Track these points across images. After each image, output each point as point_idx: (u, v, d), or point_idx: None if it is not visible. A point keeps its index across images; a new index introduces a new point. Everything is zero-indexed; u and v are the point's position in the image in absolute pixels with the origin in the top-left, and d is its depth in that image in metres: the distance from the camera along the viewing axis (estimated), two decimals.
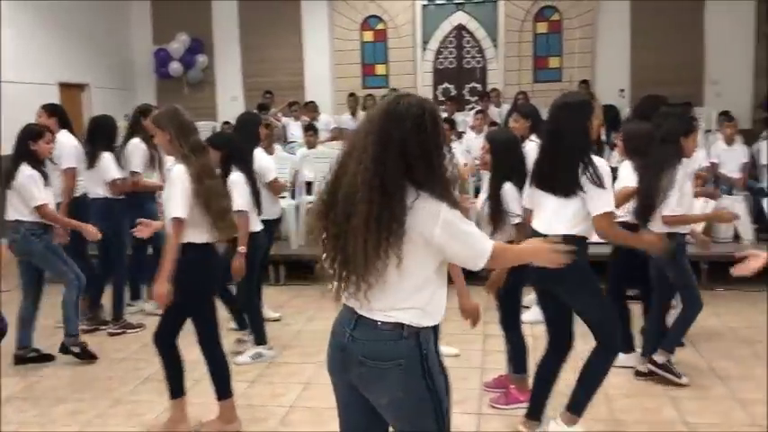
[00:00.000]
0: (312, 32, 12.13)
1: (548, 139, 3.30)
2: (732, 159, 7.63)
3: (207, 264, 3.55)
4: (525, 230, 3.43)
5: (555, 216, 3.18)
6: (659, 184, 3.92)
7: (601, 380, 3.34)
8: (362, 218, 1.95)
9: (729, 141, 7.71)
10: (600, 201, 3.09)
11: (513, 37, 11.51)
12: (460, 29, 11.73)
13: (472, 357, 4.63)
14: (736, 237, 6.47)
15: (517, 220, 3.58)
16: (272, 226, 5.23)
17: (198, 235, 3.45)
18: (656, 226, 3.97)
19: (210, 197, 3.43)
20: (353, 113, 10.72)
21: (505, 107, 10.56)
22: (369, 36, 12.04)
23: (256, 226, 4.56)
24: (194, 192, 3.38)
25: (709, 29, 10.89)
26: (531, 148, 4.49)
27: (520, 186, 3.58)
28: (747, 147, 7.85)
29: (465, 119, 9.83)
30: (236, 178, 4.36)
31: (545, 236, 2.97)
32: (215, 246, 3.62)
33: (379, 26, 11.97)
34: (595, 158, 3.15)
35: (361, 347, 2.09)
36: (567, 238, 2.94)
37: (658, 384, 4.12)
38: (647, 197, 3.97)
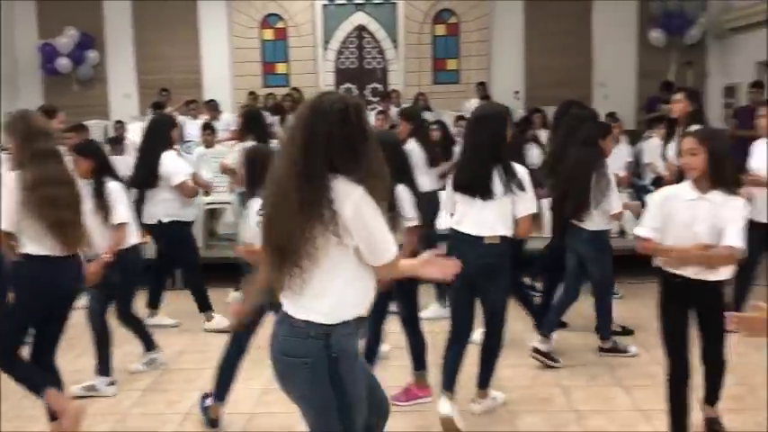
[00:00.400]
0: (209, 30, 11.85)
1: (468, 147, 3.57)
2: (617, 158, 8.00)
3: (45, 276, 3.29)
4: (416, 234, 3.62)
5: (479, 218, 3.45)
6: (589, 185, 4.25)
7: (497, 359, 3.71)
8: (294, 205, 2.02)
9: (615, 141, 8.11)
10: (524, 204, 3.43)
11: (412, 39, 11.68)
12: (361, 29, 11.78)
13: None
14: (622, 232, 6.82)
15: (410, 224, 3.62)
16: (184, 229, 5.19)
17: (35, 246, 3.24)
18: (593, 224, 4.33)
19: (45, 207, 3.19)
20: None
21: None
22: (269, 34, 11.90)
23: (134, 238, 4.30)
24: (24, 201, 3.16)
25: (596, 34, 11.46)
26: (412, 148, 5.12)
27: (411, 188, 3.67)
28: (631, 146, 8.30)
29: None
30: (114, 187, 4.13)
31: (474, 237, 3.40)
32: (65, 257, 3.32)
33: (279, 24, 11.84)
34: (514, 164, 3.46)
35: (278, 344, 2.17)
36: (501, 239, 3.43)
37: (548, 373, 4.33)
38: (581, 197, 4.27)
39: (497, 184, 3.39)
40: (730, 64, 10.97)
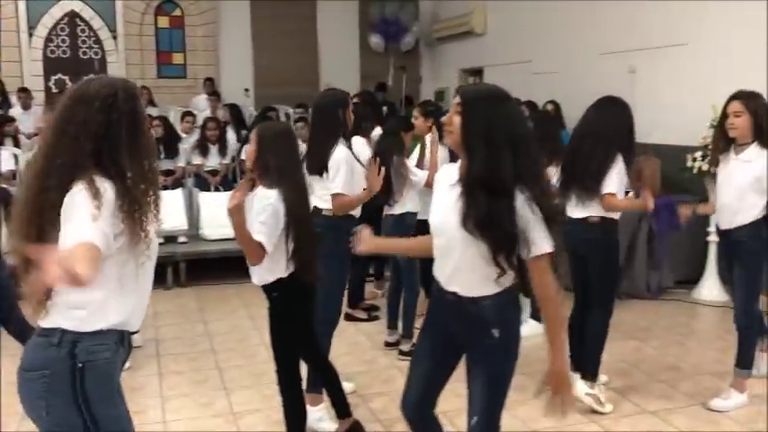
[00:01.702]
0: None
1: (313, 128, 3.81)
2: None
3: None
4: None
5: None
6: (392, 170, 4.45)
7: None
8: (33, 208, 1.79)
9: None
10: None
11: (133, 29, 10.99)
12: (73, 16, 10.78)
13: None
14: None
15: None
16: None
17: None
18: (398, 209, 4.56)
19: None
20: None
21: None
22: None
23: None
24: None
25: (321, 35, 11.84)
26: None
27: None
28: None
29: None
30: None
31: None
32: None
33: None
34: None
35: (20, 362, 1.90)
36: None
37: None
38: (389, 184, 4.42)
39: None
40: (440, 70, 12.10)
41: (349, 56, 11.94)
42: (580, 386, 3.77)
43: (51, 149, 1.82)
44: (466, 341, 2.35)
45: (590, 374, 3.82)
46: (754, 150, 3.55)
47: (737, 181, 3.59)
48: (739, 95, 3.59)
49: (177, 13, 11.25)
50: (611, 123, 3.67)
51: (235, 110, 8.99)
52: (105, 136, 1.82)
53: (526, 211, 2.12)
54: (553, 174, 3.97)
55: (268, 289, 3.04)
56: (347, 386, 3.66)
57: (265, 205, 2.85)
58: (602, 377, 3.98)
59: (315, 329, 3.24)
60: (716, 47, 6.23)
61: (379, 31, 11.61)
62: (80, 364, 1.82)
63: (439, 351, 2.43)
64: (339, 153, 3.54)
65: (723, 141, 3.67)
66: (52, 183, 1.79)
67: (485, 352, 2.29)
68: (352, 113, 3.69)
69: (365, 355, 4.67)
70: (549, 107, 7.61)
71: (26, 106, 9.29)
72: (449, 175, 2.31)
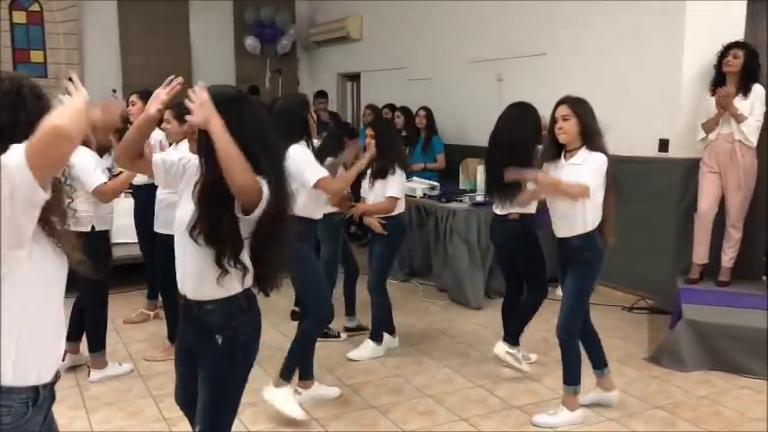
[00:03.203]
0: None
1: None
2: None
3: None
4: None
5: None
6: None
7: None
8: None
9: None
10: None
11: None
12: None
13: None
14: None
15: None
16: None
17: None
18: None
19: None
20: None
21: None
22: None
23: None
24: None
25: (194, 35, 11.50)
26: None
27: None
28: None
29: None
30: None
31: None
32: None
33: None
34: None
35: None
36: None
37: None
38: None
39: None
40: (318, 74, 12.10)
41: (224, 58, 11.67)
42: (501, 346, 4.40)
43: None
44: (193, 345, 2.38)
45: (512, 337, 4.43)
46: (582, 154, 3.56)
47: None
48: (566, 100, 3.62)
49: (35, 8, 10.54)
50: (521, 130, 4.17)
51: None
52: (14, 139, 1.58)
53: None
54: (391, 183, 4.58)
55: None
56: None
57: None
58: (532, 355, 4.68)
59: None
60: (571, 56, 6.63)
61: (254, 33, 11.43)
62: None
63: (182, 355, 2.50)
64: (291, 152, 3.58)
65: (554, 148, 3.68)
66: None
67: (209, 357, 2.32)
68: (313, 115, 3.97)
69: None
70: (422, 113, 7.82)
71: None
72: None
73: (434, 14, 8.72)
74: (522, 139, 4.13)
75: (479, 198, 6.17)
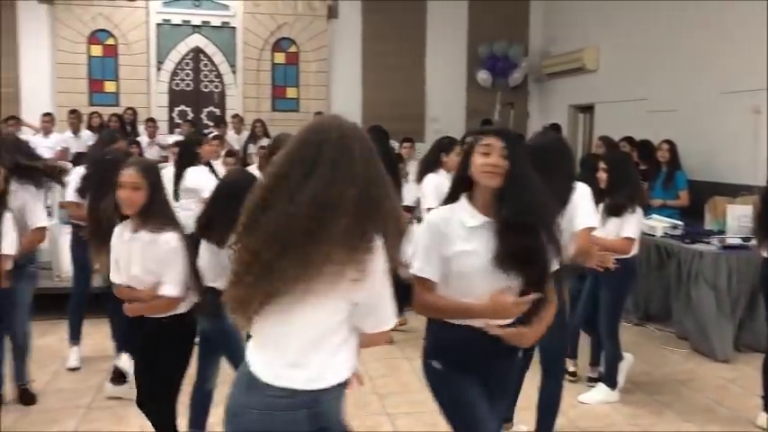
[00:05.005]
0: (31, 41, 10.94)
1: None
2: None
3: None
4: None
5: None
6: None
7: None
8: None
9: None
10: None
11: (251, 65, 11.55)
12: (198, 51, 11.47)
13: None
14: None
15: None
16: None
17: None
18: None
19: None
20: (76, 131, 9.89)
21: (245, 134, 10.58)
22: (97, 51, 11.20)
23: None
24: None
25: (429, 71, 12.02)
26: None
27: None
28: None
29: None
30: None
31: None
32: None
33: (110, 41, 11.21)
34: None
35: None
36: None
37: None
38: None
39: None
40: (548, 106, 11.97)
41: (456, 91, 12.04)
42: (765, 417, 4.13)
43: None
44: None
45: None
46: None
47: None
48: None
49: (293, 49, 11.74)
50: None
51: None
52: None
53: None
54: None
55: None
56: None
57: None
58: None
59: None
60: None
61: (486, 66, 11.66)
62: None
63: None
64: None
65: None
66: None
67: None
68: None
69: None
70: (665, 146, 7.36)
71: (151, 135, 10.01)
72: None
73: (679, 43, 8.24)
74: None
75: (731, 240, 5.64)
